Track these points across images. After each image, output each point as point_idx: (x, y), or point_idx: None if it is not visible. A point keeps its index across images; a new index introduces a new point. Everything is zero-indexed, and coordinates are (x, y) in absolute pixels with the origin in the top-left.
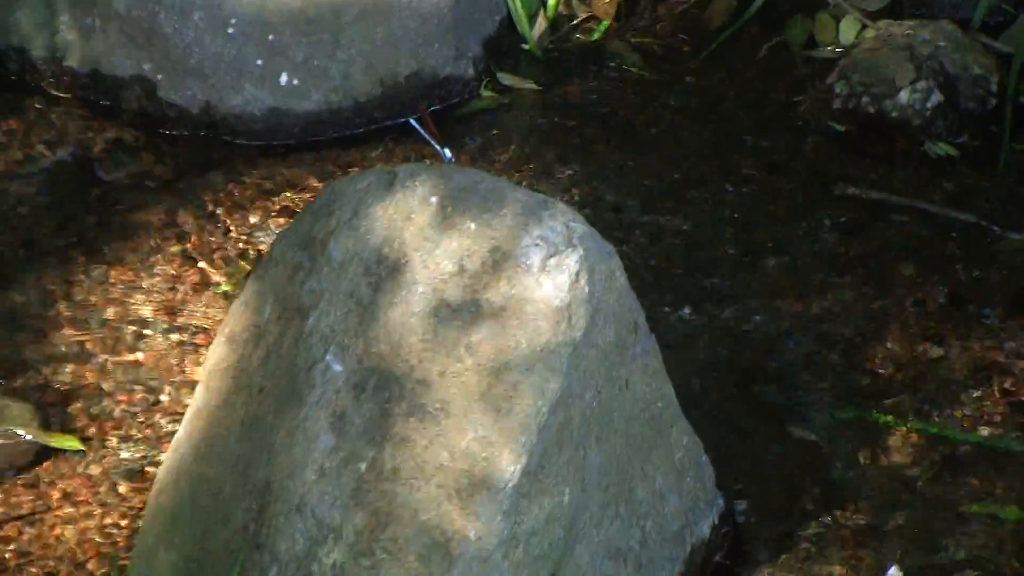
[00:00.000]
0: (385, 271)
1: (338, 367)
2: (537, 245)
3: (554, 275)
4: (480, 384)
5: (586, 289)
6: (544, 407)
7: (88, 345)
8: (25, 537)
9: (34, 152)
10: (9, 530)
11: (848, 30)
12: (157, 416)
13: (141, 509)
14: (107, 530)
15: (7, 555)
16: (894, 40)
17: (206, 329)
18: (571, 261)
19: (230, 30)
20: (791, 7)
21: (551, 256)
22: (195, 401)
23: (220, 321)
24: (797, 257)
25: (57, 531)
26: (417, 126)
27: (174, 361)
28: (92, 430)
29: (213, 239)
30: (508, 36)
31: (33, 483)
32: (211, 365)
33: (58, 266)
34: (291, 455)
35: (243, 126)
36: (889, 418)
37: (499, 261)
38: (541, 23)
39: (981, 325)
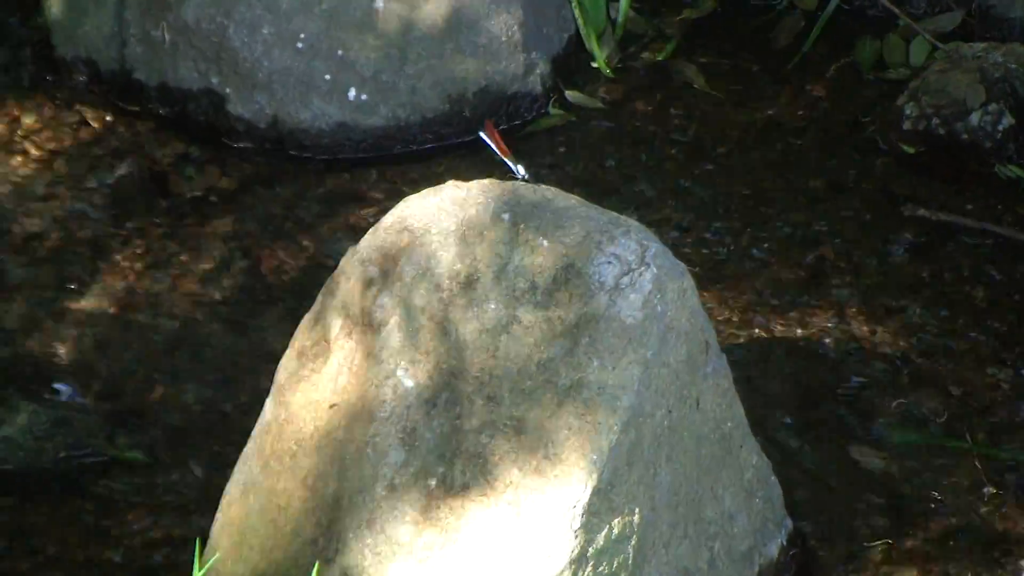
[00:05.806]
0: (457, 287)
1: (409, 383)
2: (610, 263)
3: (627, 293)
4: (551, 401)
5: (659, 308)
6: (616, 425)
7: (156, 358)
8: (91, 550)
9: (102, 164)
10: (75, 542)
11: (918, 52)
12: (226, 430)
13: (209, 523)
14: (175, 544)
15: (73, 566)
16: (965, 62)
17: (275, 343)
18: (644, 279)
19: (299, 44)
20: (860, 28)
21: (624, 274)
22: (264, 415)
23: (290, 336)
24: (865, 278)
25: (124, 543)
26: (487, 140)
27: (243, 375)
28: (160, 443)
29: (280, 253)
30: (576, 54)
31: (100, 496)
32: (281, 380)
33: (125, 278)
34: (361, 470)
35: (310, 140)
36: (958, 442)
37: (571, 279)
38: (609, 41)
39: None
